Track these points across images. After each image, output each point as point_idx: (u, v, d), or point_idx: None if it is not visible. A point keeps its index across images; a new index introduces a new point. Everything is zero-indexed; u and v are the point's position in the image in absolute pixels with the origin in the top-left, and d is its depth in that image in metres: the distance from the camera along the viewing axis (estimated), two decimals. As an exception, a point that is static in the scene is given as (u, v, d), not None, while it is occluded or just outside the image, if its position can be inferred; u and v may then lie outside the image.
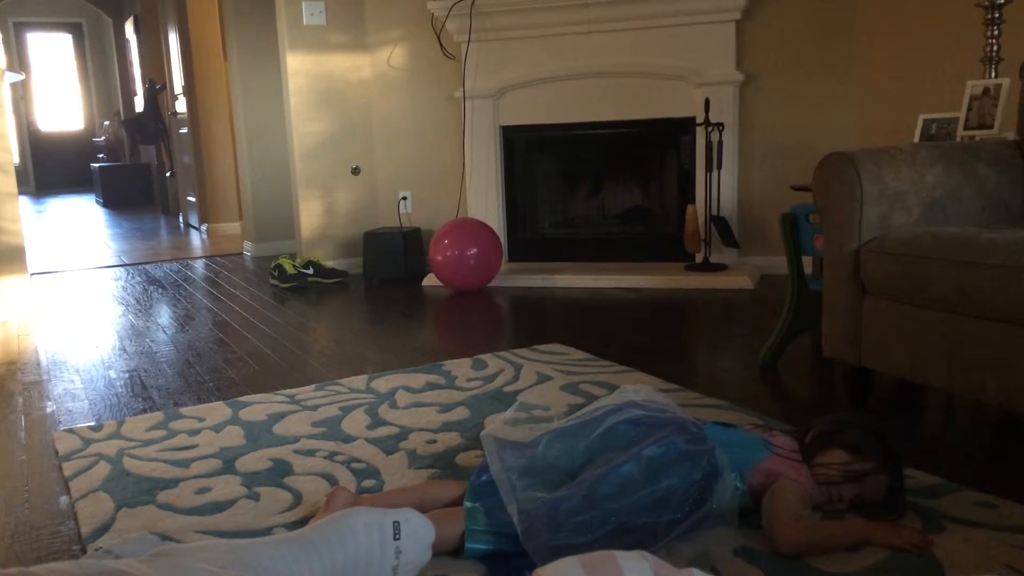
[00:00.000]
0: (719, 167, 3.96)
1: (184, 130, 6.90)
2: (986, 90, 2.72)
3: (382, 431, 2.12)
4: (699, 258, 4.07)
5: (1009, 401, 1.76)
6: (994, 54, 2.80)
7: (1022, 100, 2.33)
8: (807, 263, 2.66)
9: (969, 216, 2.14)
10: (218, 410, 2.34)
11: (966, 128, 2.74)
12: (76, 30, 12.50)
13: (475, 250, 3.93)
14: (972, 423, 2.17)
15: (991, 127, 2.67)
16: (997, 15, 2.78)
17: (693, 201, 4.08)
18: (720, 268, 4.01)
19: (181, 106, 6.87)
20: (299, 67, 4.49)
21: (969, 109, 2.75)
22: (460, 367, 2.66)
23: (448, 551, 1.44)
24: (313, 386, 2.53)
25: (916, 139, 2.91)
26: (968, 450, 1.94)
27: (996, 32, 2.79)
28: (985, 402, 1.98)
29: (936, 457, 1.85)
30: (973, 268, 1.78)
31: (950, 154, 2.18)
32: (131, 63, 10.03)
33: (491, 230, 4.05)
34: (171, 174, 8.11)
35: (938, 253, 1.86)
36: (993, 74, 2.81)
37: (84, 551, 1.58)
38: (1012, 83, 2.57)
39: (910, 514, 1.56)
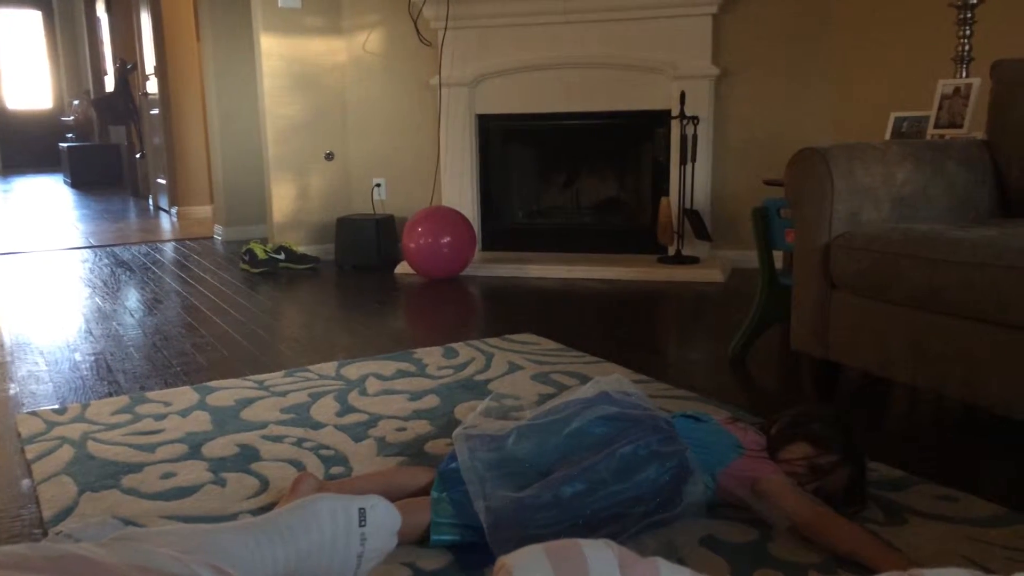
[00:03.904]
0: (693, 160, 3.98)
1: (155, 111, 6.81)
2: (957, 89, 2.75)
3: (351, 418, 2.11)
4: (672, 250, 4.08)
5: (971, 396, 1.79)
6: (966, 54, 2.84)
7: (992, 100, 2.36)
8: (778, 257, 2.68)
9: (937, 213, 2.16)
10: (185, 395, 2.31)
11: (936, 127, 2.77)
12: (46, 7, 12.27)
13: (448, 238, 3.92)
14: (935, 417, 2.20)
15: (961, 126, 2.70)
16: (969, 15, 2.81)
17: (667, 194, 4.09)
18: (692, 261, 4.03)
19: (152, 87, 6.77)
20: (273, 50, 4.44)
21: (940, 108, 2.78)
22: (431, 355, 2.65)
23: (414, 540, 1.44)
24: (282, 372, 2.51)
25: (887, 137, 2.94)
26: (931, 444, 1.97)
27: (968, 32, 2.82)
28: (948, 397, 2.01)
29: (899, 450, 1.88)
30: (940, 265, 1.80)
31: (920, 152, 2.20)
32: (102, 42, 9.86)
33: (465, 219, 4.04)
34: (141, 155, 8.00)
35: (906, 249, 1.88)
36: (964, 74, 2.84)
37: (45, 535, 1.56)
38: (983, 83, 2.60)
39: (872, 506, 1.58)
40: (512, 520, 1.40)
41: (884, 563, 1.31)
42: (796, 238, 2.18)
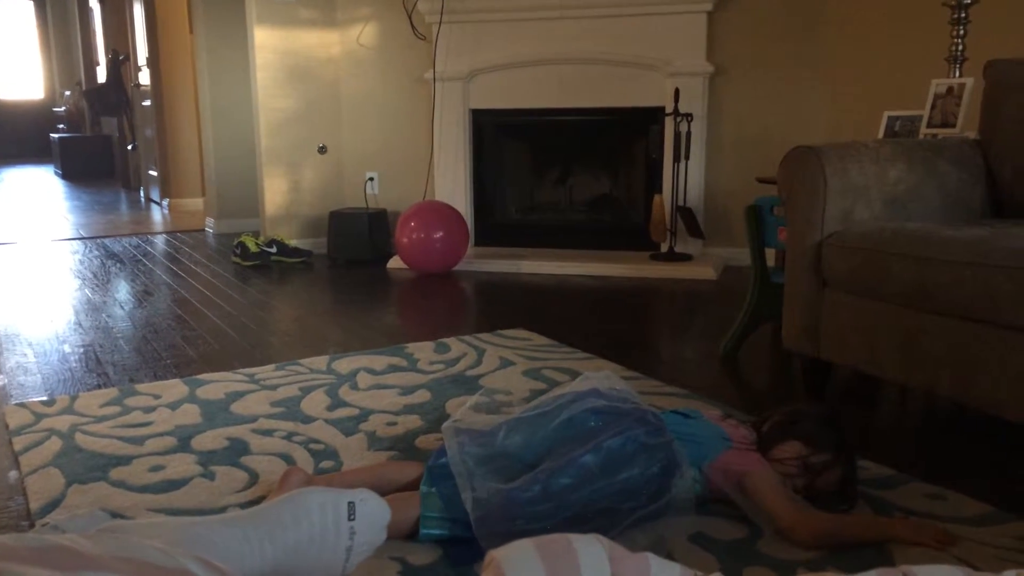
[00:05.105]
0: (687, 158, 3.98)
1: (147, 102, 6.77)
2: (950, 89, 2.75)
3: (342, 412, 2.11)
4: (664, 248, 4.09)
5: (962, 395, 1.79)
6: (959, 54, 2.84)
7: (985, 100, 2.37)
8: (770, 255, 2.68)
9: (929, 213, 2.17)
10: (175, 387, 2.30)
11: (929, 126, 2.77)
12: (38, -4, 12.18)
13: (441, 233, 3.91)
14: (925, 416, 2.21)
15: (954, 126, 2.70)
16: (963, 15, 2.81)
17: (660, 191, 4.09)
18: (685, 258, 4.03)
19: (145, 78, 6.73)
20: (266, 42, 4.42)
21: (933, 107, 2.78)
22: (423, 350, 2.65)
23: (403, 534, 1.44)
24: (273, 366, 2.50)
25: (880, 136, 2.94)
26: (920, 442, 1.98)
27: (962, 32, 2.82)
28: (938, 395, 2.01)
29: (889, 449, 1.88)
30: (931, 264, 1.80)
31: (913, 151, 2.21)
32: (94, 32, 9.81)
33: (458, 214, 4.03)
34: (133, 147, 7.97)
35: (898, 248, 1.89)
36: (957, 73, 2.84)
37: (32, 526, 1.55)
38: (976, 83, 2.60)
39: (862, 504, 1.59)
40: (500, 513, 1.40)
41: (876, 533, 1.44)
42: (788, 236, 2.18)
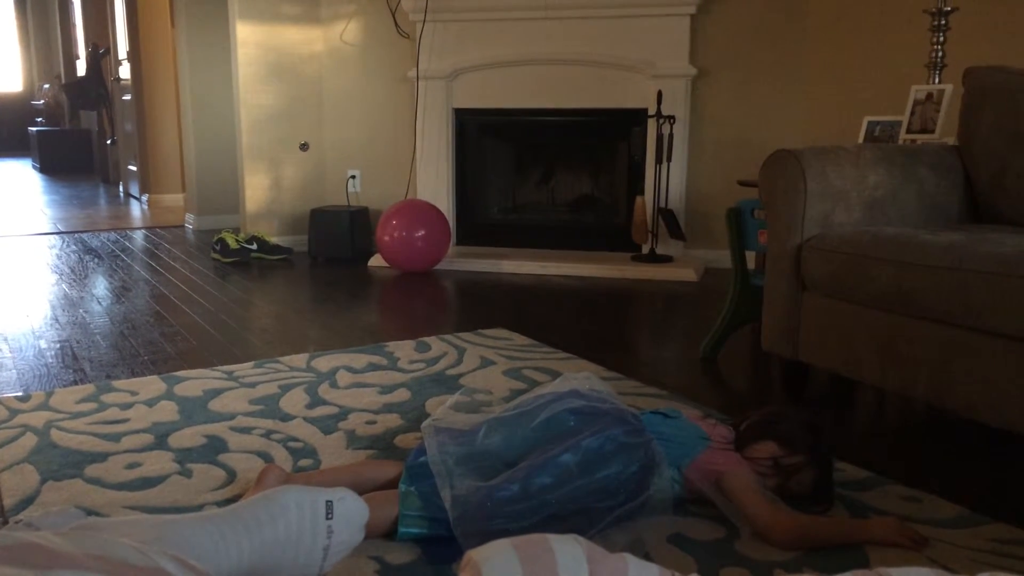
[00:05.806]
0: (669, 159, 3.99)
1: (127, 97, 6.71)
2: (929, 95, 2.78)
3: (321, 411, 2.10)
4: (645, 249, 4.10)
5: (937, 398, 1.81)
6: (939, 60, 2.86)
7: (963, 107, 2.39)
8: (751, 258, 2.70)
9: (908, 217, 2.19)
10: (152, 384, 2.28)
11: (908, 132, 2.80)
12: (17, -12, 12.04)
13: (423, 232, 3.90)
14: (902, 419, 2.22)
15: (933, 132, 2.73)
16: (943, 22, 2.84)
17: (642, 192, 4.10)
18: (666, 260, 4.04)
19: (125, 72, 6.67)
20: (249, 37, 4.39)
21: (912, 113, 2.80)
22: (403, 349, 2.64)
23: (381, 534, 1.43)
24: (252, 363, 2.49)
25: (860, 140, 2.96)
26: (896, 445, 1.99)
27: (942, 39, 2.85)
28: (915, 398, 2.03)
29: (865, 451, 1.90)
30: (909, 268, 1.82)
31: (892, 156, 2.23)
32: (74, 25, 9.71)
33: (440, 213, 4.02)
34: (112, 141, 7.89)
35: (876, 252, 1.90)
36: (937, 80, 2.87)
37: (5, 523, 1.53)
38: (955, 89, 2.63)
39: (838, 506, 1.60)
40: (479, 512, 1.40)
41: (852, 535, 1.45)
42: (768, 239, 2.19)
